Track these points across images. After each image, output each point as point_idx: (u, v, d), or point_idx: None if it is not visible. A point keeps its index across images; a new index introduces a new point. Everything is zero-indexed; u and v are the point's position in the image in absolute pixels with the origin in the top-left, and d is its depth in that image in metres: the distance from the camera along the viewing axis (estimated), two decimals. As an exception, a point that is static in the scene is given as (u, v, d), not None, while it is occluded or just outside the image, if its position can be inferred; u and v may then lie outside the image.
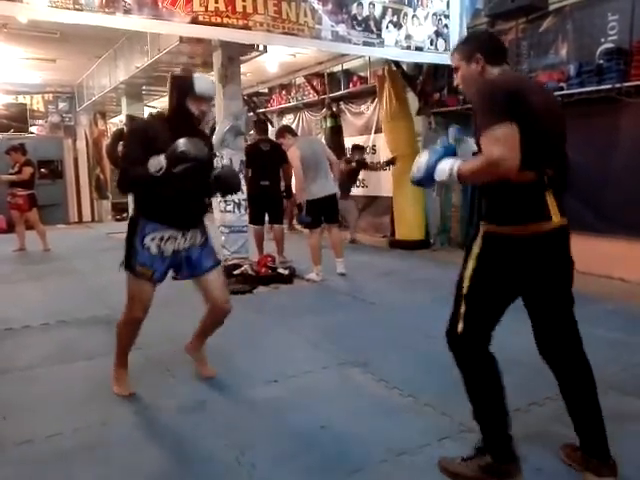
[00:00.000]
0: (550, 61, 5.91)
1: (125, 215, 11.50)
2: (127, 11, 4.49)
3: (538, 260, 1.95)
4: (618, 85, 5.13)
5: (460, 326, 2.04)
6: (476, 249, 2.01)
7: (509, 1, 6.00)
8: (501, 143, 1.77)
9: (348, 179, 7.87)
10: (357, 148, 8.21)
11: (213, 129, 6.07)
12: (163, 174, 2.44)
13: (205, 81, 2.68)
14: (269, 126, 11.22)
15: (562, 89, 5.61)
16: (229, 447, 2.36)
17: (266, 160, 6.22)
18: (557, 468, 2.15)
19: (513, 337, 2.31)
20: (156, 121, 2.68)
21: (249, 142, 7.21)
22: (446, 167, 1.93)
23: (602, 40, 5.41)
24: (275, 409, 2.74)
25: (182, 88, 2.60)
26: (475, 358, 2.06)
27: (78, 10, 4.30)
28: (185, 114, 2.62)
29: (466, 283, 2.03)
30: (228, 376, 3.13)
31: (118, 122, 12.22)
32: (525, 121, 1.83)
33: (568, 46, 5.75)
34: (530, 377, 2.70)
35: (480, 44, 2.04)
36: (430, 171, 2.00)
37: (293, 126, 10.53)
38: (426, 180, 2.05)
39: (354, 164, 8.05)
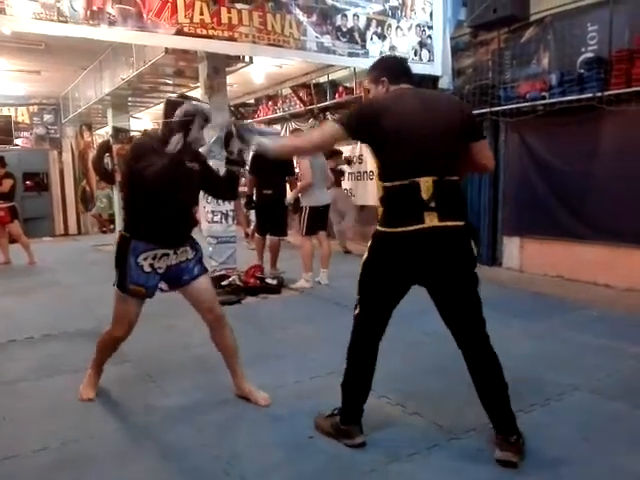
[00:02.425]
0: (532, 71, 6.00)
1: (112, 227, 11.43)
2: (112, 23, 4.50)
3: (414, 254, 2.17)
4: (599, 94, 5.22)
5: (357, 310, 2.37)
6: (369, 243, 2.31)
7: (491, 12, 6.10)
8: (317, 132, 2.22)
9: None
10: (336, 153, 8.14)
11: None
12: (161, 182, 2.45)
13: (208, 107, 2.69)
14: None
15: (544, 98, 5.71)
16: (217, 458, 2.35)
17: (270, 169, 6.04)
18: (544, 474, 2.16)
19: (496, 344, 2.32)
20: (154, 141, 2.62)
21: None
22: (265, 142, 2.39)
23: (582, 50, 5.51)
24: (263, 419, 2.73)
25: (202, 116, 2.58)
26: (362, 340, 2.37)
27: (62, 22, 4.29)
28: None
29: (360, 271, 2.34)
30: (215, 387, 3.10)
31: (104, 134, 12.15)
32: (382, 137, 2.16)
33: (549, 56, 5.84)
34: (517, 384, 2.71)
35: (384, 68, 2.38)
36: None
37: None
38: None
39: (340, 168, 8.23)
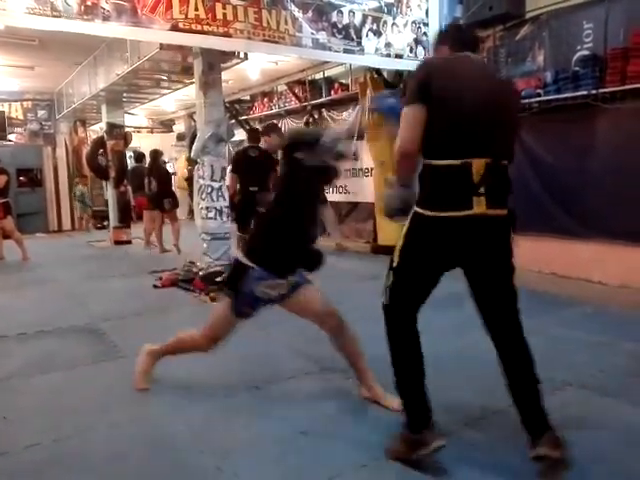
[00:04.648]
0: (527, 68, 6.01)
1: (106, 224, 11.37)
2: (106, 18, 4.47)
3: (457, 240, 2.02)
4: (594, 91, 5.23)
5: (385, 298, 2.20)
6: (405, 228, 2.13)
7: (487, 9, 6.10)
8: (402, 126, 1.97)
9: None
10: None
11: (194, 136, 6.05)
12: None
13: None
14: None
15: (539, 95, 5.71)
16: (210, 455, 2.34)
17: (254, 166, 6.05)
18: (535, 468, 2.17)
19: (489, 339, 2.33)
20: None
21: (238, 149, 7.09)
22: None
23: (578, 47, 5.52)
24: (256, 416, 2.72)
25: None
26: (398, 329, 2.18)
27: (56, 17, 4.27)
28: None
29: (396, 258, 2.15)
30: (209, 383, 3.10)
31: (98, 129, 12.11)
32: (433, 102, 1.95)
33: (545, 53, 5.85)
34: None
35: (446, 34, 2.27)
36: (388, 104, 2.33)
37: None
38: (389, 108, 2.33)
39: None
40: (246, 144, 6.78)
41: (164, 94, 9.71)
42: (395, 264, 2.17)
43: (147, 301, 5.23)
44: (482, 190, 1.96)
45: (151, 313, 4.77)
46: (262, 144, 6.01)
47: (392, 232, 7.61)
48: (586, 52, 5.43)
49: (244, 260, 2.61)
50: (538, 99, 5.73)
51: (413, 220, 2.10)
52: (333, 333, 2.73)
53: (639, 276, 5.11)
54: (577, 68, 5.45)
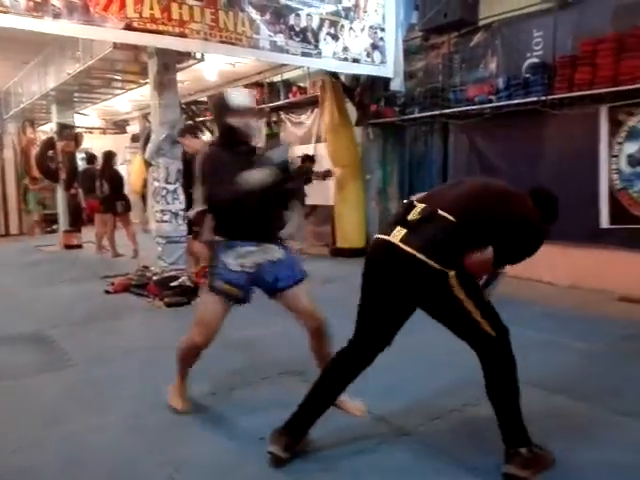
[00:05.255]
0: (480, 74, 6.16)
1: (55, 227, 10.99)
2: (56, 15, 4.34)
3: (370, 260, 2.27)
4: (543, 98, 5.40)
5: None
6: None
7: (442, 16, 6.21)
8: None
9: None
10: (308, 159, 8.10)
11: (148, 137, 5.93)
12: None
13: (239, 93, 2.68)
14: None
15: (491, 101, 5.85)
16: (163, 464, 2.28)
17: (190, 168, 6.00)
18: (491, 466, 2.21)
19: (442, 339, 2.36)
20: (215, 148, 2.65)
21: None
22: None
23: (528, 55, 5.69)
24: (212, 422, 2.68)
25: (219, 107, 2.61)
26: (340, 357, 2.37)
27: (2, 12, 4.12)
28: (231, 130, 2.58)
29: None
30: (162, 391, 3.02)
31: (48, 130, 11.71)
32: None
33: (497, 60, 6.01)
34: (462, 378, 2.76)
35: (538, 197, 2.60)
36: None
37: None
38: None
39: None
40: None
41: (117, 94, 9.48)
42: None
43: (98, 307, 5.08)
44: (409, 225, 2.11)
45: (102, 319, 4.63)
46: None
47: (351, 235, 7.71)
48: (536, 60, 5.60)
49: (211, 237, 2.61)
50: (490, 105, 5.88)
51: None
52: (312, 333, 2.71)
53: (588, 277, 5.30)
54: (527, 75, 5.62)
